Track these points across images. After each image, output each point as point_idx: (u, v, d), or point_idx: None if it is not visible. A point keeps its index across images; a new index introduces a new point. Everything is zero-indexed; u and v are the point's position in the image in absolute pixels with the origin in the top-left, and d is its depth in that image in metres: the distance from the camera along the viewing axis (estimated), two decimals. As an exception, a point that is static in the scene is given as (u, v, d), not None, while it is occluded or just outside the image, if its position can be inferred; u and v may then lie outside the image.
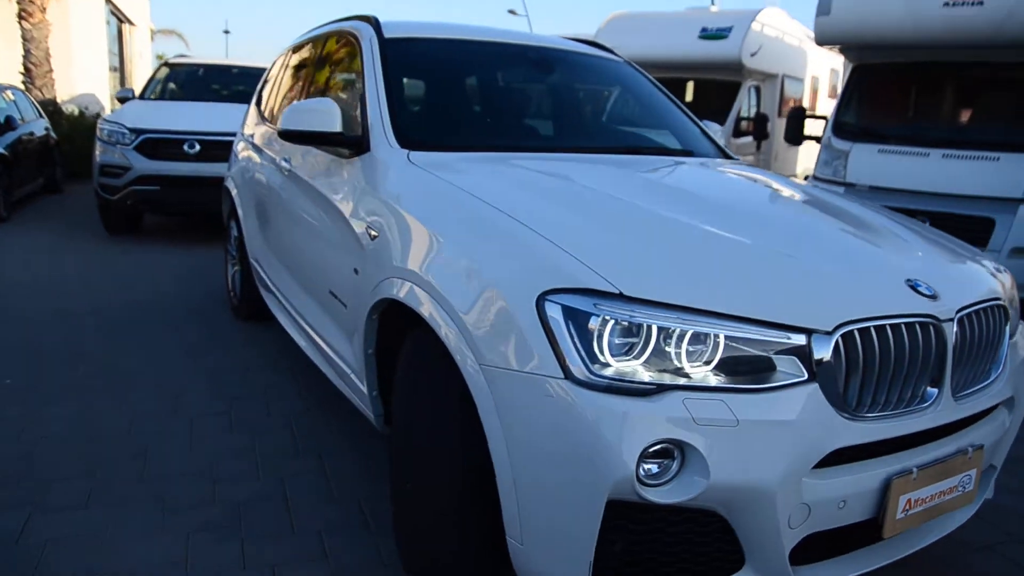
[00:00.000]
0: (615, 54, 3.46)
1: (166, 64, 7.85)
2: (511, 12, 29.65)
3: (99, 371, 3.54)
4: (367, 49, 2.83)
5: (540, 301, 1.55)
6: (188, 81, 7.72)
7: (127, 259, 6.02)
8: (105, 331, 4.17)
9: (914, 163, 5.57)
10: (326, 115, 2.54)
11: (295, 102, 2.62)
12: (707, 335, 1.50)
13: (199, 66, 7.92)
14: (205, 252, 6.29)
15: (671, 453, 1.46)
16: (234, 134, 6.27)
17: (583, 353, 1.49)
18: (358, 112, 2.71)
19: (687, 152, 2.97)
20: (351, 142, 2.58)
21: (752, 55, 9.15)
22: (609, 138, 2.98)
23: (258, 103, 4.51)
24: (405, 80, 2.78)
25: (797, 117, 6.50)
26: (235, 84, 7.65)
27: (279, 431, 2.97)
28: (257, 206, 3.82)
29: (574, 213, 1.89)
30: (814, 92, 11.87)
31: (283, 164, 3.24)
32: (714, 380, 1.50)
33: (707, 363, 1.50)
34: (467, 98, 2.96)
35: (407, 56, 2.85)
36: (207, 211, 6.77)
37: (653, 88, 3.39)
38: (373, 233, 2.22)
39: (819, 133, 6.52)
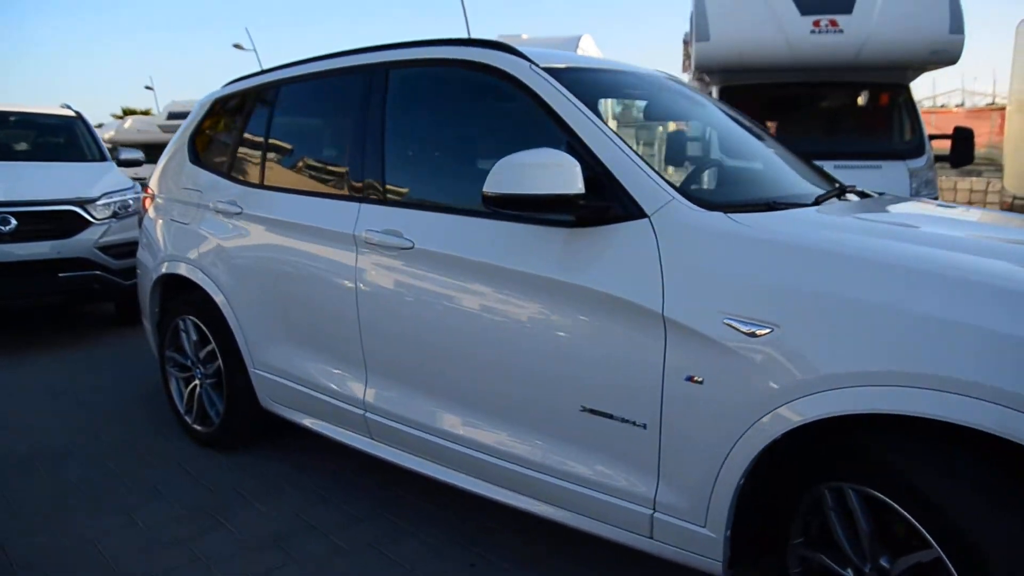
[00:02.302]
0: None
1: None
2: (237, 46, 27.32)
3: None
4: (539, 84, 2.17)
5: None
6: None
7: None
8: (23, 512, 2.74)
9: (812, 175, 6.09)
10: (564, 172, 1.87)
11: (508, 157, 1.88)
12: None
13: (-42, 114, 5.83)
14: (34, 362, 4.61)
15: None
16: (65, 202, 4.83)
17: None
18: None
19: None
20: (593, 206, 1.93)
21: (580, 81, 9.41)
22: (809, 175, 2.66)
23: (196, 160, 3.35)
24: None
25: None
26: (20, 136, 5.78)
27: (480, 609, 2.15)
28: (281, 301, 2.79)
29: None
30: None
31: (385, 240, 2.36)
32: None
33: None
34: (688, 142, 2.42)
35: (593, 92, 2.25)
36: (36, 305, 5.04)
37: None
38: (753, 331, 1.65)
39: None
